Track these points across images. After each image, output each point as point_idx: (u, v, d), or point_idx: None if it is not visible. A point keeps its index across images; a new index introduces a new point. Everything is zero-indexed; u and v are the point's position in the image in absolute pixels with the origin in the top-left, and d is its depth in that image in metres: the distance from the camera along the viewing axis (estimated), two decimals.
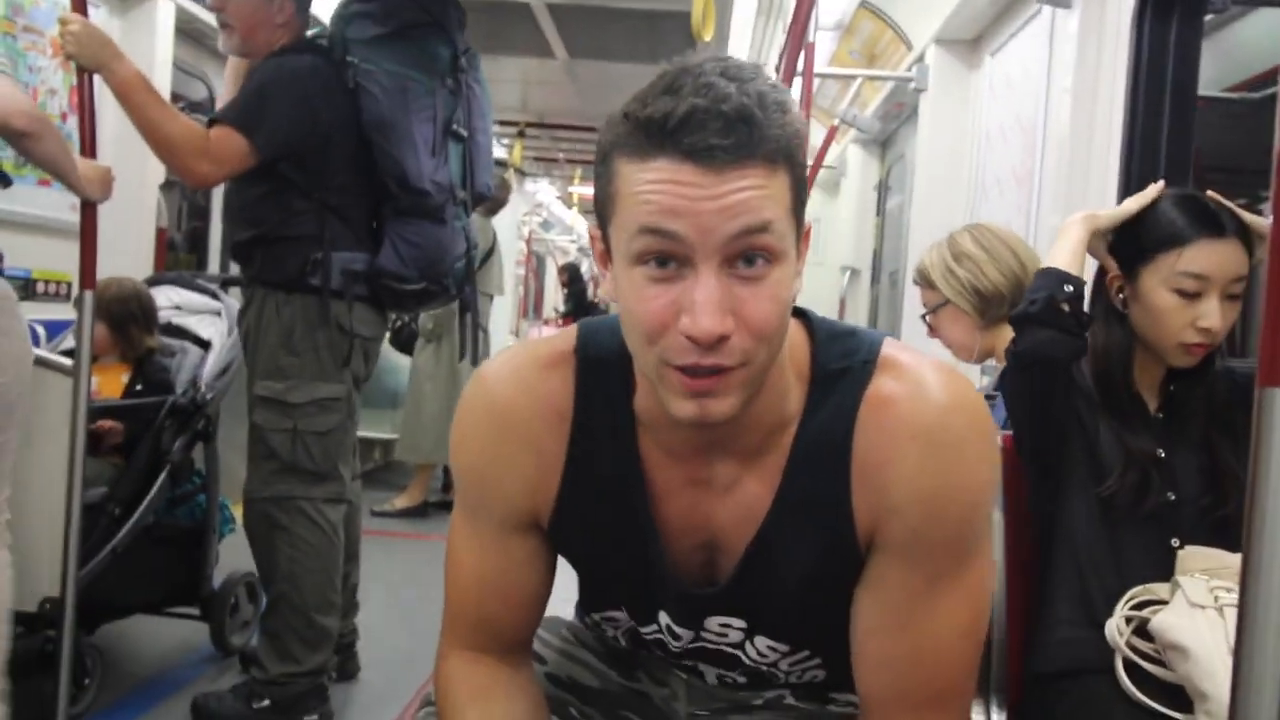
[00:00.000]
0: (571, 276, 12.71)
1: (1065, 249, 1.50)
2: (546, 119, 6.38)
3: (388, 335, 5.32)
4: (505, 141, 7.00)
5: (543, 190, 10.52)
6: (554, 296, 13.29)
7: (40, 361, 2.28)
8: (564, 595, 1.15)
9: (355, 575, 2.72)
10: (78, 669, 2.29)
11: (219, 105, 2.69)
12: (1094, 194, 2.58)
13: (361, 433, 5.65)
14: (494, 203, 4.97)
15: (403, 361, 5.32)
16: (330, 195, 2.39)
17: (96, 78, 2.23)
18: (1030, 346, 1.45)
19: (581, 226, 12.27)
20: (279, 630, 2.42)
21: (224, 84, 2.72)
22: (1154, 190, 1.51)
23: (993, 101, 3.56)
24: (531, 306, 11.58)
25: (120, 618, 2.72)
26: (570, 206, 12.12)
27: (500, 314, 7.39)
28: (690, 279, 0.81)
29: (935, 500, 0.90)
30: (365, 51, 2.40)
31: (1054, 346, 1.44)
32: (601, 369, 0.99)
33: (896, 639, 0.94)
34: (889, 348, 0.95)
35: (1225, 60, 2.67)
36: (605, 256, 0.90)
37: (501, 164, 7.27)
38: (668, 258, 0.82)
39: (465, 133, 2.60)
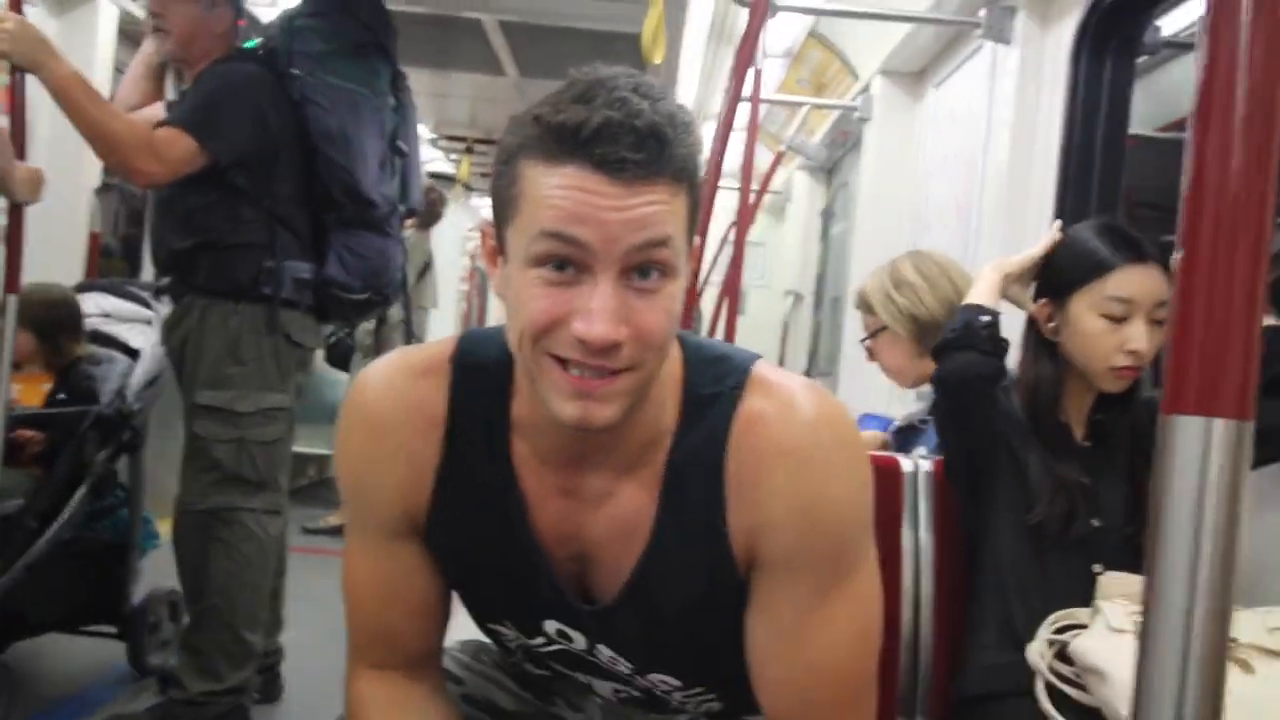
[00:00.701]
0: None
1: (981, 290, 1.60)
2: (495, 135, 6.36)
3: (322, 350, 5.30)
4: (454, 157, 6.98)
5: (487, 207, 10.50)
6: (499, 313, 13.26)
7: None
8: None
9: (281, 591, 2.68)
10: None
11: (119, 96, 2.66)
12: (1030, 227, 2.65)
13: (297, 448, 5.54)
14: (430, 216, 4.97)
15: (341, 377, 5.26)
16: (277, 204, 2.38)
17: (30, 77, 2.20)
18: (951, 369, 1.53)
19: None
20: (203, 646, 2.38)
21: (126, 81, 2.69)
22: (1052, 234, 1.61)
23: (935, 133, 3.63)
24: (475, 321, 11.54)
25: (33, 635, 2.65)
26: None
27: (442, 329, 7.34)
28: (587, 285, 0.82)
29: (809, 514, 0.92)
30: (311, 65, 2.40)
31: (974, 367, 1.51)
32: (480, 374, 0.99)
33: (793, 657, 0.95)
34: (759, 368, 0.97)
35: (1158, 100, 2.75)
36: (495, 254, 0.91)
37: (449, 179, 7.25)
38: (566, 262, 0.83)
39: (405, 149, 2.63)
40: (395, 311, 4.79)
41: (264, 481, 2.41)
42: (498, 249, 0.91)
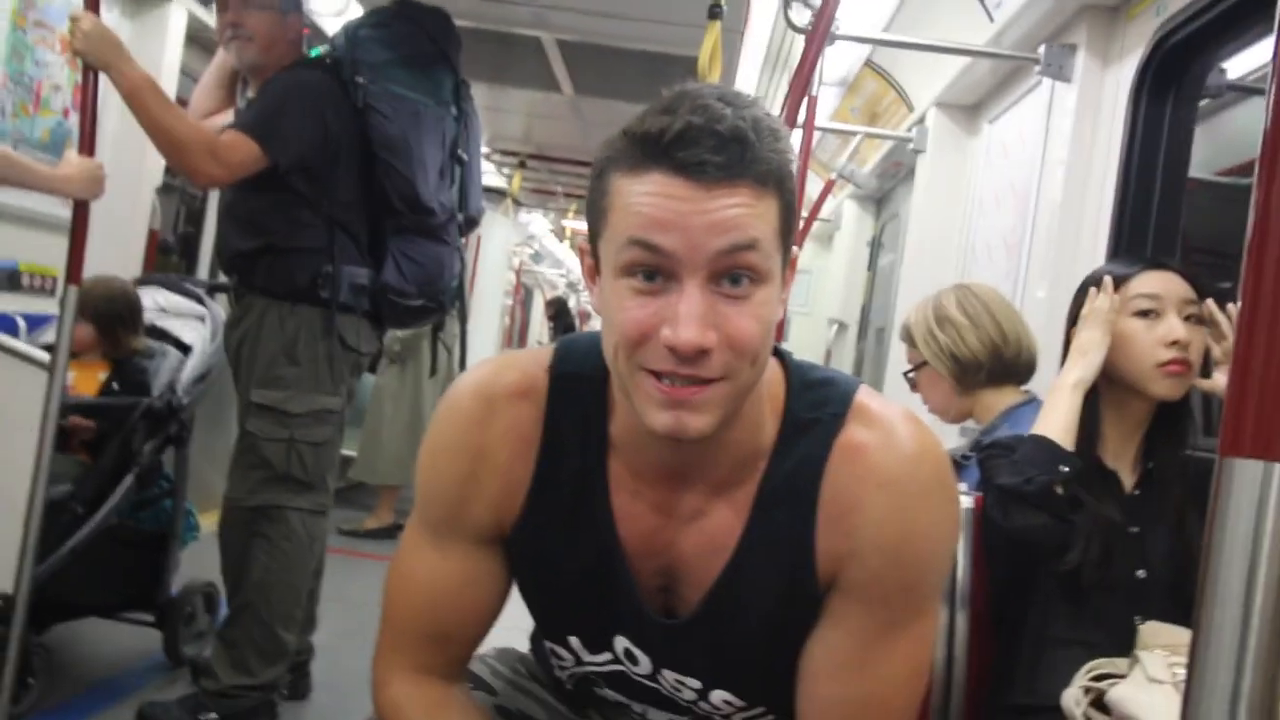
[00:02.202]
0: (558, 311, 12.70)
1: (1059, 416, 1.49)
2: (547, 152, 6.41)
3: None
4: (505, 171, 7.03)
5: (536, 222, 10.52)
6: (539, 329, 13.30)
7: (16, 354, 2.29)
8: (520, 625, 1.15)
9: (317, 591, 2.70)
10: (24, 667, 2.25)
11: (192, 104, 2.70)
12: (1081, 267, 2.61)
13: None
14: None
15: (367, 380, 5.31)
16: (337, 210, 2.41)
17: (102, 77, 2.24)
18: (1020, 529, 1.43)
19: (572, 261, 12.33)
20: (238, 640, 2.41)
21: (199, 89, 2.72)
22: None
23: (988, 167, 3.60)
24: (516, 336, 11.60)
25: (73, 619, 2.68)
26: (563, 240, 12.16)
27: (485, 342, 7.39)
28: (675, 293, 0.82)
29: (899, 546, 0.91)
30: (375, 74, 2.43)
31: (1043, 534, 1.43)
32: (576, 386, 0.99)
33: (848, 682, 0.94)
34: (863, 395, 0.96)
35: (1218, 144, 2.72)
36: (593, 270, 0.91)
37: (500, 193, 7.29)
38: (654, 272, 0.83)
39: (466, 158, 2.64)
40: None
41: (311, 482, 2.43)
42: (594, 266, 0.91)
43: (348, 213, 2.43)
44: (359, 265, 2.45)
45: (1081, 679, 1.36)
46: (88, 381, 2.69)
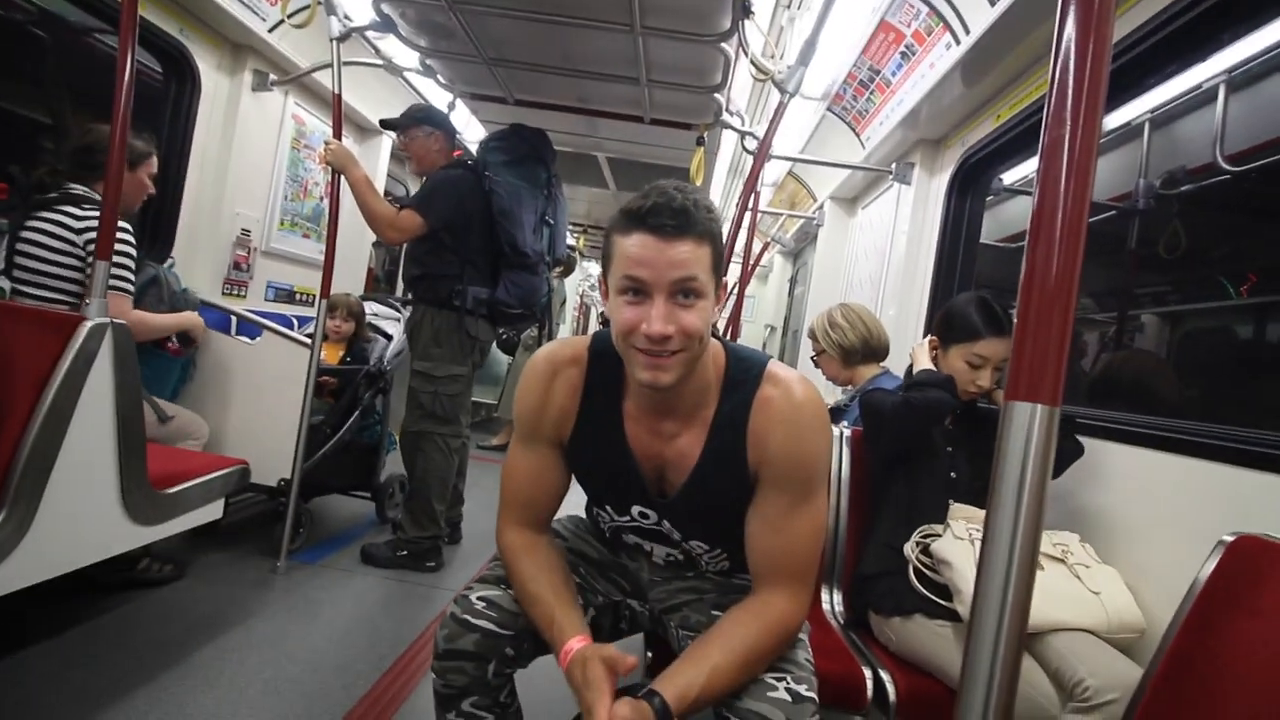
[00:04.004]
0: (605, 320, 12.71)
1: (925, 362, 1.50)
2: (599, 224, 6.38)
3: (496, 341, 5.31)
4: (574, 234, 6.99)
5: (593, 266, 10.51)
6: (593, 327, 13.38)
7: (292, 339, 2.31)
8: (579, 502, 1.15)
9: (462, 484, 2.69)
10: (297, 523, 2.29)
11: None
12: (916, 294, 2.59)
13: (475, 398, 5.61)
14: (566, 269, 4.96)
15: (504, 358, 5.32)
16: (469, 253, 2.36)
17: (341, 176, 2.25)
18: (926, 398, 1.40)
19: None
20: (413, 509, 2.40)
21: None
22: (930, 342, 1.51)
23: (861, 235, 3.56)
24: (581, 330, 11.69)
25: (324, 494, 2.71)
26: None
27: (564, 333, 7.38)
28: (649, 303, 0.85)
29: (794, 455, 0.92)
30: (495, 170, 2.39)
31: (944, 402, 1.40)
32: (604, 357, 1.00)
33: (772, 538, 0.94)
34: (771, 366, 0.97)
35: (1000, 223, 2.68)
36: (604, 290, 0.93)
37: (572, 247, 7.25)
38: (638, 290, 0.86)
39: (552, 222, 2.58)
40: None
41: (448, 418, 2.39)
42: (605, 289, 0.92)
43: (477, 255, 2.37)
44: (481, 286, 2.39)
45: (915, 536, 1.36)
46: (333, 355, 2.71)
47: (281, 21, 2.59)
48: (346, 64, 2.36)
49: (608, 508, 1.07)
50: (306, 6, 2.54)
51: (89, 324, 1.38)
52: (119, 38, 1.43)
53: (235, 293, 2.85)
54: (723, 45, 2.06)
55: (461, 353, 2.39)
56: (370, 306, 2.98)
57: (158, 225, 2.54)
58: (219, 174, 2.71)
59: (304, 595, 2.06)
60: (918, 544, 1.34)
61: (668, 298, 0.84)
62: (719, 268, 0.89)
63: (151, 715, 1.40)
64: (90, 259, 1.66)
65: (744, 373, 0.96)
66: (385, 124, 2.62)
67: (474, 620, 0.96)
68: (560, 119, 2.77)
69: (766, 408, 0.93)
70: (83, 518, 1.43)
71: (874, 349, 1.89)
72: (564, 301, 5.08)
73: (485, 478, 3.77)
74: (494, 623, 0.97)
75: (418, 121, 2.43)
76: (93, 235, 1.67)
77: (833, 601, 1.52)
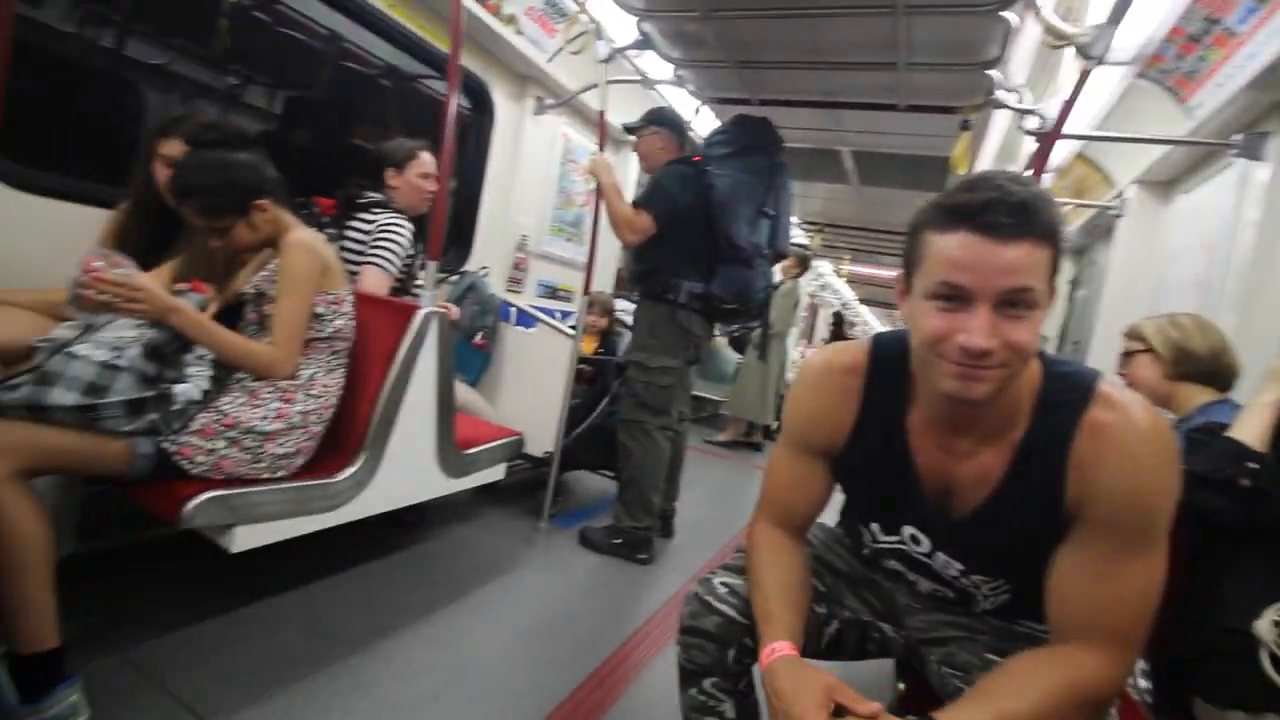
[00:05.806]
0: (837, 321, 12.15)
1: (1253, 424, 1.15)
2: (836, 222, 6.12)
3: (728, 339, 5.35)
4: (809, 233, 6.77)
5: (823, 266, 10.06)
6: (822, 330, 12.85)
7: (559, 330, 2.54)
8: (832, 510, 1.10)
9: (678, 477, 2.63)
10: (557, 490, 2.52)
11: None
12: (1272, 304, 2.01)
13: (702, 393, 5.74)
14: (800, 268, 4.77)
15: (734, 355, 5.35)
16: (685, 248, 2.33)
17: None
18: (1205, 510, 1.13)
19: (846, 291, 11.69)
20: (628, 498, 2.39)
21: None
22: None
23: (1180, 226, 2.88)
24: (809, 333, 11.30)
25: (578, 469, 2.82)
26: (840, 277, 11.58)
27: (791, 334, 7.22)
28: (967, 312, 0.75)
29: (1132, 497, 0.77)
30: (716, 163, 2.33)
31: (1225, 517, 1.12)
32: (888, 361, 0.93)
33: (1092, 587, 0.80)
34: (1102, 386, 0.81)
35: None
36: (905, 292, 0.84)
37: (805, 246, 7.05)
38: (954, 296, 0.76)
39: (773, 213, 2.44)
40: (777, 323, 4.63)
41: (660, 409, 2.36)
42: (906, 289, 0.84)
43: (692, 250, 2.32)
44: (696, 281, 2.31)
45: (1271, 615, 1.05)
46: (589, 346, 2.94)
47: (560, 50, 2.93)
48: (610, 82, 2.55)
49: (874, 525, 1.00)
50: (583, 33, 2.84)
51: (423, 312, 1.72)
52: (447, 81, 1.75)
53: (515, 290, 3.27)
54: (1003, 14, 1.83)
55: (675, 345, 2.33)
56: (618, 304, 3.17)
57: (461, 235, 3.02)
58: (506, 188, 3.15)
59: (560, 556, 2.29)
60: (1275, 624, 1.05)
61: (993, 308, 0.74)
62: (1056, 271, 0.77)
63: (445, 633, 1.69)
64: (369, 255, 1.93)
65: (1065, 391, 0.83)
66: (627, 129, 2.68)
67: (715, 604, 0.97)
68: (802, 115, 2.69)
69: (1098, 434, 0.79)
70: (411, 467, 1.78)
71: (1221, 370, 1.47)
72: (796, 304, 4.81)
73: (705, 474, 3.77)
74: (735, 609, 0.96)
75: (648, 123, 2.46)
76: (372, 237, 1.94)
77: (1135, 676, 1.25)
